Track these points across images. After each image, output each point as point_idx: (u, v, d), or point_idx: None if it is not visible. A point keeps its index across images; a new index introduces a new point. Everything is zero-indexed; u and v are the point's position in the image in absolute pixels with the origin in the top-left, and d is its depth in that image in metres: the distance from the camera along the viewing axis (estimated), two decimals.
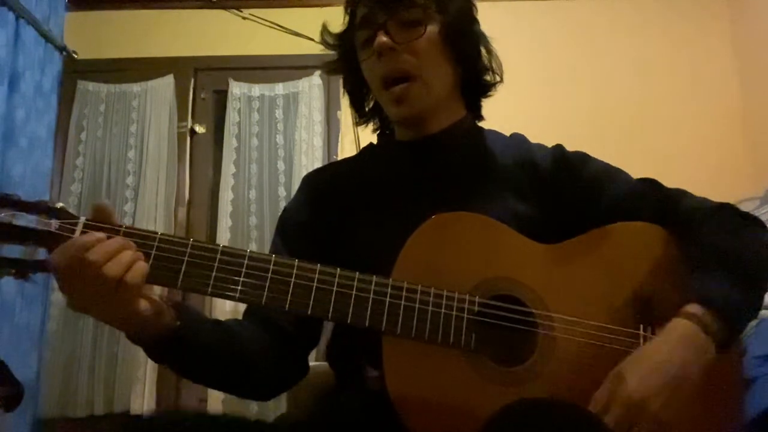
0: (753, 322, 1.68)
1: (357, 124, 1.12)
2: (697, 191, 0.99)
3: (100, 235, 0.72)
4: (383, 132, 1.11)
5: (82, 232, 0.74)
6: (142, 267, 0.73)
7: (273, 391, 0.98)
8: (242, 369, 0.91)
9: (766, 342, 1.53)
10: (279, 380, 0.98)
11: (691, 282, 0.83)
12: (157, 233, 0.77)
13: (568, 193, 0.98)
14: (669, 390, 0.75)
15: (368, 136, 1.14)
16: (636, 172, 1.02)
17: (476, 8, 1.04)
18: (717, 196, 0.98)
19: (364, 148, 1.13)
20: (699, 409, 0.84)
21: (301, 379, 1.00)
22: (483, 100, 1.08)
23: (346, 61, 1.06)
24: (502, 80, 1.05)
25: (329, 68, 1.10)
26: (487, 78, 1.05)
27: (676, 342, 0.78)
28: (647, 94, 2.97)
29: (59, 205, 0.76)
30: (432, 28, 0.96)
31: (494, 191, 0.98)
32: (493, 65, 1.04)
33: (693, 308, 0.80)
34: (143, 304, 0.74)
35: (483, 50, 1.03)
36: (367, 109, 1.09)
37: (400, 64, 0.94)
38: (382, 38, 0.93)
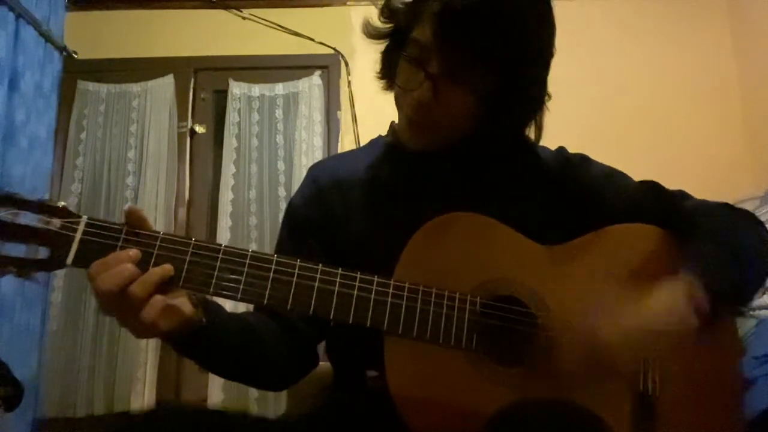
0: (752, 322, 1.68)
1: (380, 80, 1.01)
2: (697, 191, 0.99)
3: (134, 269, 0.73)
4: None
5: (121, 247, 0.75)
6: (177, 312, 0.76)
7: (287, 382, 1.02)
8: (262, 362, 0.93)
9: (766, 342, 1.53)
10: (293, 371, 1.00)
11: (686, 262, 0.84)
12: (159, 233, 0.78)
13: (569, 195, 0.98)
14: (666, 329, 0.76)
15: (368, 136, 1.14)
16: (636, 172, 1.02)
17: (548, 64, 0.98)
18: (717, 196, 0.98)
19: (372, 140, 1.12)
20: (700, 408, 0.84)
21: (312, 371, 1.03)
22: None
23: (389, 47, 0.98)
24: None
25: (375, 34, 0.97)
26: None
27: (667, 291, 0.79)
28: (647, 94, 2.97)
29: (61, 204, 0.76)
30: (479, 95, 0.88)
31: (496, 192, 0.98)
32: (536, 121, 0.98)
33: (684, 277, 0.81)
34: (175, 311, 0.76)
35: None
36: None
37: (427, 116, 0.89)
38: (426, 93, 0.86)
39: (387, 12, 0.95)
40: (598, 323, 0.77)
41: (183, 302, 0.78)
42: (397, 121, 1.01)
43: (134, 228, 0.77)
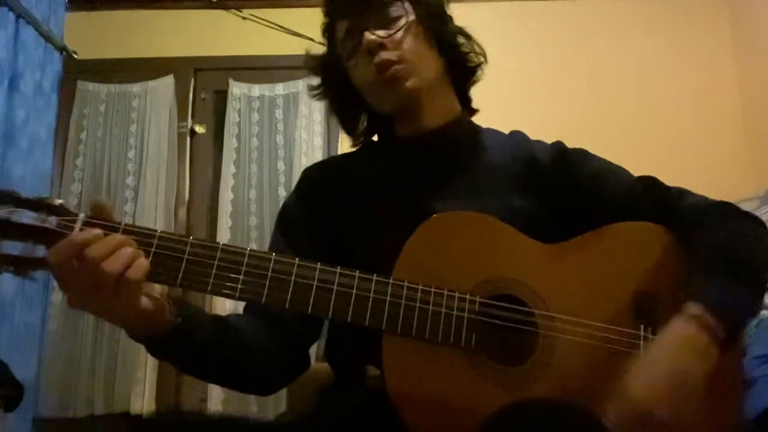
0: (753, 322, 1.68)
1: (353, 145, 1.12)
2: (697, 191, 0.99)
3: (98, 231, 0.72)
4: (380, 133, 1.11)
5: (81, 230, 0.73)
6: (143, 264, 0.73)
7: (274, 385, 0.99)
8: (243, 364, 0.91)
9: (766, 342, 1.53)
10: (280, 374, 0.98)
11: (691, 282, 0.83)
12: (156, 231, 0.77)
13: (567, 189, 0.98)
14: (674, 397, 0.74)
15: None
16: (636, 172, 1.02)
17: (448, 2, 1.08)
18: (717, 196, 0.98)
19: (364, 144, 1.13)
20: (701, 409, 0.84)
21: (303, 373, 1.01)
22: (472, 86, 1.10)
23: (333, 80, 1.07)
24: (486, 61, 1.08)
25: (316, 92, 1.11)
26: (473, 59, 1.07)
27: (680, 346, 0.77)
28: (647, 94, 2.96)
29: (58, 202, 0.76)
30: (410, 19, 1.00)
31: (494, 188, 0.98)
32: (475, 48, 1.07)
33: (694, 309, 0.79)
34: (144, 302, 0.74)
35: (461, 37, 1.06)
36: (360, 129, 1.10)
37: (389, 56, 0.97)
38: (370, 36, 0.97)
39: (312, 61, 1.09)
40: (632, 378, 0.76)
41: (159, 296, 0.77)
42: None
43: (96, 219, 0.75)
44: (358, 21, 0.99)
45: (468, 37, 1.07)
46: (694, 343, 0.77)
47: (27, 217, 0.73)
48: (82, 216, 0.75)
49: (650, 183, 1.00)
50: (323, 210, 1.02)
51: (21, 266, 0.73)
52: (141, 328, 0.78)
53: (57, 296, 2.68)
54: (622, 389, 0.75)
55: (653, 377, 0.75)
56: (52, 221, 0.74)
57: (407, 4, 1.01)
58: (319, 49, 1.10)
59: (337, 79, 1.06)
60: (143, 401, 2.58)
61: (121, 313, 0.75)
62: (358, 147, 1.12)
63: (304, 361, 1.01)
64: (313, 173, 1.09)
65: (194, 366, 0.88)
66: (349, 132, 1.11)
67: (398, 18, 0.99)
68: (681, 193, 0.98)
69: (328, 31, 1.06)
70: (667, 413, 0.73)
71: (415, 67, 0.98)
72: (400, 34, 0.98)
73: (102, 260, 0.69)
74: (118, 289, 0.70)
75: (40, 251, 0.73)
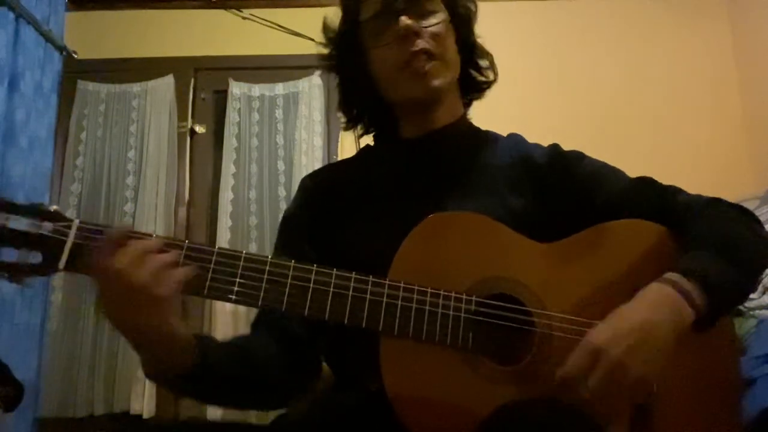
0: (753, 322, 1.68)
1: (345, 128, 1.12)
2: (696, 191, 0.99)
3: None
4: (379, 133, 1.11)
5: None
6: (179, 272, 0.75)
7: (291, 399, 1.00)
8: (261, 389, 0.92)
9: (766, 342, 1.53)
10: (296, 387, 0.99)
11: (678, 261, 0.84)
12: (151, 235, 0.77)
13: (564, 190, 0.98)
14: (629, 340, 0.74)
15: (368, 136, 1.14)
16: (636, 172, 1.03)
17: (476, 7, 1.08)
18: (717, 195, 0.98)
19: (362, 149, 1.13)
20: (698, 408, 0.84)
21: (317, 380, 1.02)
22: (476, 100, 1.11)
23: (347, 56, 1.05)
24: (496, 80, 1.09)
25: (327, 64, 1.09)
26: (487, 75, 1.08)
27: (647, 302, 0.78)
28: (647, 93, 2.96)
29: (53, 208, 0.75)
30: (445, 17, 1.00)
31: (491, 189, 0.98)
32: (492, 65, 1.08)
33: (671, 275, 0.80)
34: (176, 320, 0.75)
35: (480, 51, 1.08)
36: (355, 111, 1.09)
37: (423, 45, 0.96)
38: (407, 21, 0.95)
39: (328, 38, 1.07)
40: (597, 326, 0.77)
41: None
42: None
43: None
44: (393, 3, 0.97)
45: (486, 53, 1.08)
46: (666, 301, 0.78)
47: (21, 223, 0.73)
48: (76, 222, 0.75)
49: (646, 183, 1.00)
50: (324, 217, 1.01)
51: (16, 273, 0.73)
52: (162, 361, 0.77)
53: (57, 296, 2.69)
54: (585, 337, 0.76)
55: (612, 324, 0.76)
56: (46, 227, 0.73)
57: (442, 3, 1.01)
58: (318, 49, 1.10)
59: (352, 57, 1.04)
60: (143, 401, 2.58)
61: (156, 325, 0.74)
62: (356, 152, 1.13)
63: (317, 368, 1.02)
64: (311, 181, 1.09)
65: (214, 400, 0.90)
66: (347, 110, 1.09)
67: (433, 13, 0.99)
68: (676, 191, 0.98)
69: (352, 8, 1.03)
70: (620, 353, 0.73)
71: (446, 65, 0.98)
72: (439, 28, 0.98)
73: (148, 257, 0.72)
74: (157, 281, 0.72)
75: (35, 258, 0.73)
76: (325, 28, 1.07)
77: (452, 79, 1.01)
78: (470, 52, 1.05)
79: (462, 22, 1.03)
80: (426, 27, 0.97)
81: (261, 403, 0.98)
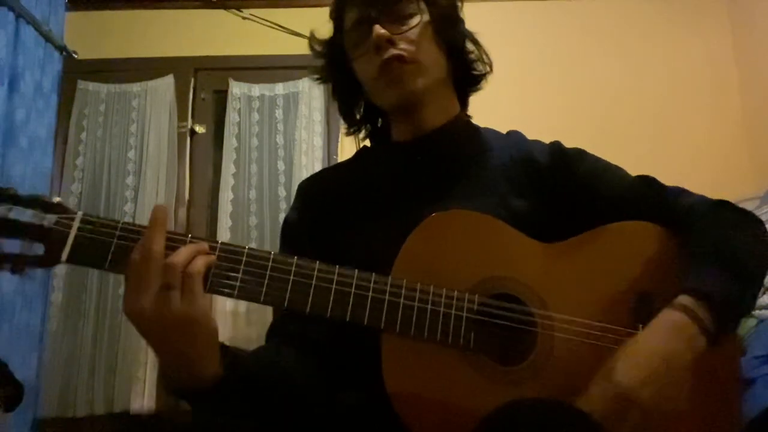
0: (753, 322, 1.68)
1: (347, 134, 1.12)
2: (697, 191, 0.98)
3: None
4: (376, 136, 1.11)
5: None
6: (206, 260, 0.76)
7: (318, 407, 0.96)
8: (291, 404, 0.90)
9: (766, 342, 1.53)
10: (322, 394, 0.96)
11: (685, 275, 0.83)
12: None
13: (565, 188, 0.98)
14: (657, 379, 0.74)
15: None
16: (636, 172, 1.02)
17: (462, 4, 1.07)
18: (717, 196, 0.98)
19: (359, 151, 1.13)
20: (697, 408, 0.84)
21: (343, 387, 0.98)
22: (473, 93, 1.10)
23: (336, 67, 1.07)
24: (491, 71, 1.08)
25: (320, 75, 1.11)
26: (478, 68, 1.07)
27: (665, 332, 0.78)
28: (647, 93, 2.97)
29: (56, 199, 0.75)
30: (423, 19, 0.99)
31: (492, 188, 0.98)
32: (483, 56, 1.07)
33: (684, 300, 0.80)
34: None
35: (470, 43, 1.06)
36: (357, 116, 1.10)
37: (397, 51, 0.96)
38: (380, 30, 0.95)
39: (315, 50, 1.08)
40: (616, 361, 0.77)
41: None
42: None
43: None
44: (369, 12, 0.97)
45: (477, 44, 1.07)
46: (681, 331, 0.78)
47: (24, 215, 0.73)
48: (80, 214, 0.75)
49: (648, 182, 0.99)
50: (324, 220, 1.01)
51: (18, 264, 0.72)
52: (193, 361, 0.76)
53: (57, 296, 2.69)
54: (605, 372, 0.76)
55: (636, 361, 0.76)
56: (50, 219, 0.73)
57: (422, 4, 0.99)
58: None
59: (340, 66, 1.05)
60: (143, 401, 2.58)
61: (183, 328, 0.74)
62: (353, 154, 1.12)
63: (342, 371, 0.99)
64: (309, 186, 1.08)
65: (243, 418, 0.85)
66: (347, 117, 1.11)
67: (411, 15, 0.98)
68: (679, 192, 0.98)
69: (337, 17, 1.04)
70: (649, 395, 0.73)
71: (423, 68, 0.97)
72: (414, 32, 0.97)
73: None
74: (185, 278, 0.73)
75: (38, 249, 0.73)
76: (313, 39, 1.08)
77: (434, 80, 0.99)
78: (458, 48, 1.04)
79: (444, 19, 1.01)
80: (402, 32, 0.96)
81: (288, 415, 0.92)
